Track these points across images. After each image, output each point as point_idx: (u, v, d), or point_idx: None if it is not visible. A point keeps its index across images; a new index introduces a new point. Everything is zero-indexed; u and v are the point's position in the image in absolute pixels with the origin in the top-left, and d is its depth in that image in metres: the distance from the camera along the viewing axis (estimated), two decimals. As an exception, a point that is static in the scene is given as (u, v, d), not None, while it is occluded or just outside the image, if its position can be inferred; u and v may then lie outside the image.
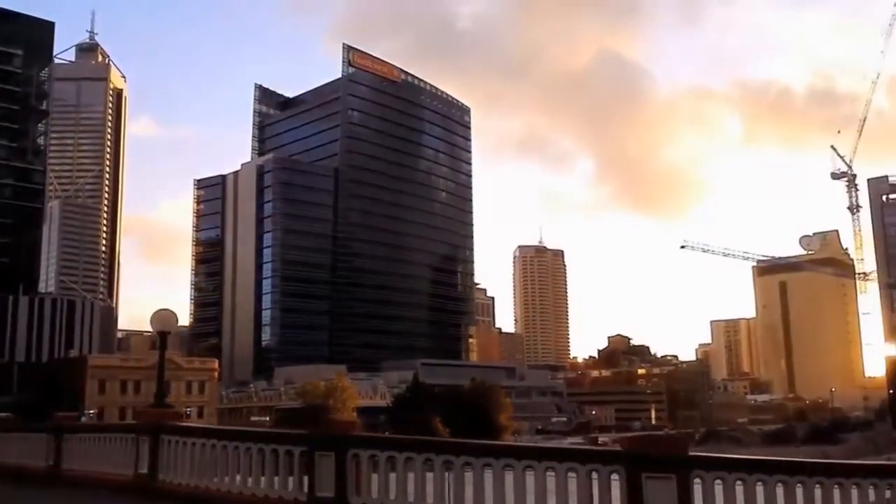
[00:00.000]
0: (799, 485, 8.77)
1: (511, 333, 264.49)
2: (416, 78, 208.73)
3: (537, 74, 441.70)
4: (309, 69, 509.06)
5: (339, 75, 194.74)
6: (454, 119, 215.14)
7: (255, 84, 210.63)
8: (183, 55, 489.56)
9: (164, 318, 18.56)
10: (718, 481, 8.54)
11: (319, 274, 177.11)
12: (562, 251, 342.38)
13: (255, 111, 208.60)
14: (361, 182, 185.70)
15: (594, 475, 8.65)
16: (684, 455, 8.69)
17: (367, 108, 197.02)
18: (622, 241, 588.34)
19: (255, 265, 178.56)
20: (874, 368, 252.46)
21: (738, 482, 8.60)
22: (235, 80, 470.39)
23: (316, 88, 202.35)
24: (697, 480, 8.45)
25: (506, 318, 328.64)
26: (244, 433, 13.67)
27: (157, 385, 19.84)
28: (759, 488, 8.65)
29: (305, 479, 11.07)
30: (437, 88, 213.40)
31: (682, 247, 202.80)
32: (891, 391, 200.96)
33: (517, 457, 9.33)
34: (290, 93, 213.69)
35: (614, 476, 8.58)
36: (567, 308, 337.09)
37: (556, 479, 8.87)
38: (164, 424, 13.91)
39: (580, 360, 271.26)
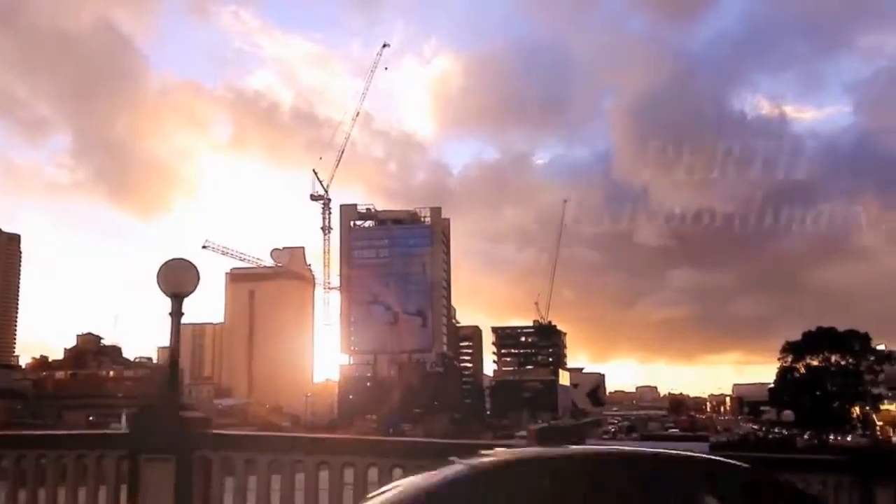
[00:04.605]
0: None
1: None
2: None
3: (21, 25, 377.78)
4: None
5: None
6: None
7: None
8: None
9: (179, 273, 11.13)
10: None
11: None
12: (18, 235, 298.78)
13: None
14: None
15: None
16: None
17: None
18: (96, 230, 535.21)
19: None
20: (320, 376, 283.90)
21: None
22: None
23: None
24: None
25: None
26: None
27: (171, 374, 12.30)
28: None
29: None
30: None
31: (204, 247, 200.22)
32: (350, 396, 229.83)
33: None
34: None
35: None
36: (18, 301, 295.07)
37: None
38: (206, 434, 8.83)
39: (29, 359, 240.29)
